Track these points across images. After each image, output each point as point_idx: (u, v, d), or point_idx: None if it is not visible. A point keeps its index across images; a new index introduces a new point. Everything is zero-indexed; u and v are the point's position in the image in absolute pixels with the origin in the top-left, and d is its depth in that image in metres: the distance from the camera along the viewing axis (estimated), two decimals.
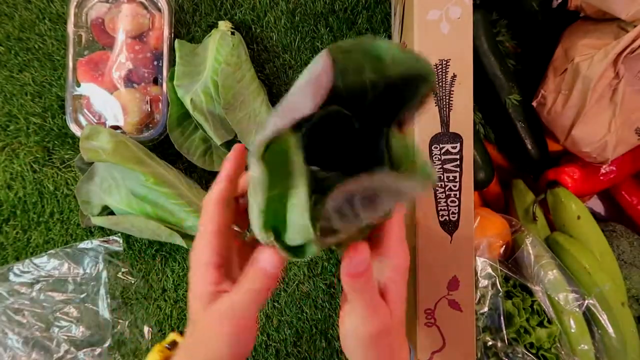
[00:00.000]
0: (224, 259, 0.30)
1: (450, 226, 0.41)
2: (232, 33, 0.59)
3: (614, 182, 0.57)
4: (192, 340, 0.30)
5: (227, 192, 0.31)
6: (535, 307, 0.49)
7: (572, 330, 0.49)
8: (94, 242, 0.61)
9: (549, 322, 0.49)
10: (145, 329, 0.61)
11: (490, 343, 0.48)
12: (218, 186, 0.31)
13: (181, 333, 0.38)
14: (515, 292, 0.50)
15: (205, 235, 0.29)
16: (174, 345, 0.37)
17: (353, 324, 0.29)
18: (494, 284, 0.49)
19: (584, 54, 0.47)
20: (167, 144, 0.62)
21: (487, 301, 0.48)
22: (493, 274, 0.49)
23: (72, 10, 0.58)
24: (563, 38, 0.51)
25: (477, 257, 0.49)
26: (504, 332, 0.47)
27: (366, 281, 0.27)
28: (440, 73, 0.40)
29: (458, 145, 0.40)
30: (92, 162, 0.56)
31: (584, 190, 0.56)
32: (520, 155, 0.57)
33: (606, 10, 0.45)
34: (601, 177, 0.56)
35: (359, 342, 0.29)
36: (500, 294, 0.48)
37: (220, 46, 0.56)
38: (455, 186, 0.40)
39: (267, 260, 0.28)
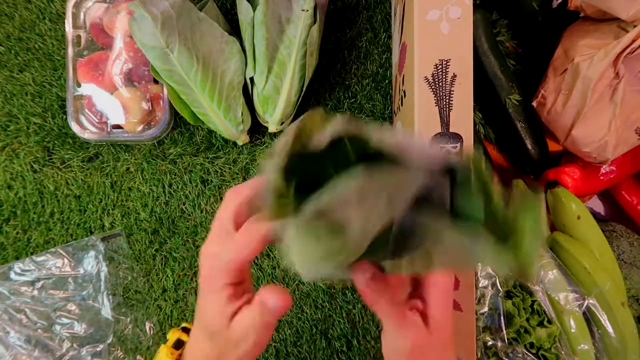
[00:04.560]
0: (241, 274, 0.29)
1: None
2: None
3: (614, 182, 0.57)
4: (216, 352, 0.30)
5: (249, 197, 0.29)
6: (535, 307, 0.49)
7: (572, 330, 0.49)
8: (94, 240, 0.61)
9: (549, 322, 0.49)
10: (147, 325, 0.61)
11: (490, 343, 0.48)
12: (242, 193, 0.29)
13: (184, 330, 0.38)
14: (515, 292, 0.50)
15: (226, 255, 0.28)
16: (179, 344, 0.37)
17: (386, 340, 0.30)
18: (494, 284, 0.49)
19: (584, 54, 0.47)
20: (169, 143, 0.62)
21: (487, 301, 0.48)
22: (493, 274, 0.49)
23: (69, 11, 0.58)
24: (563, 38, 0.51)
25: None
26: (504, 332, 0.47)
27: (383, 298, 0.28)
28: (440, 73, 0.40)
29: (458, 145, 0.40)
30: None
31: (584, 190, 0.56)
32: (520, 155, 0.57)
33: (606, 10, 0.45)
34: (601, 177, 0.56)
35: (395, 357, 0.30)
36: (500, 294, 0.48)
37: None
38: None
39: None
